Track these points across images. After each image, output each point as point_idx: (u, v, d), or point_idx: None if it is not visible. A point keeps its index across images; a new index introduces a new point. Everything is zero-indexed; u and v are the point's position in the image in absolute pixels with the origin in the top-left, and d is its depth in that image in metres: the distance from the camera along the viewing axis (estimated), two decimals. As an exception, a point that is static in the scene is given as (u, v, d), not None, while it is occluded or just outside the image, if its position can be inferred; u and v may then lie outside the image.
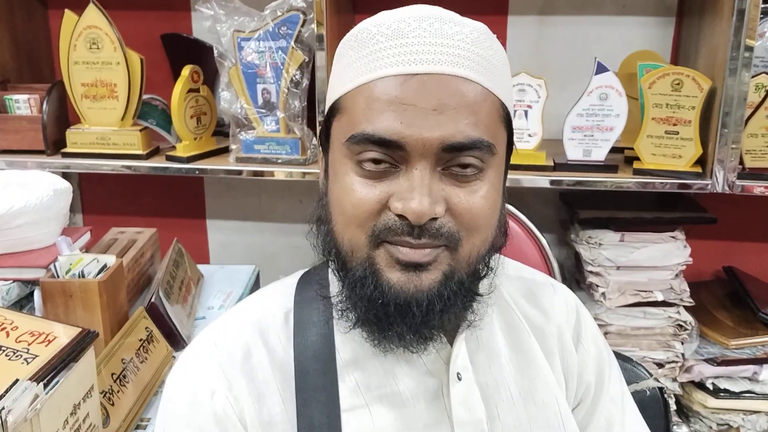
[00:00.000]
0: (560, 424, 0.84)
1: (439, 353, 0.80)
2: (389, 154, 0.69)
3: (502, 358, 0.85)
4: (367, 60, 0.71)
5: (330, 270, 0.83)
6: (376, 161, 0.70)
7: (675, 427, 1.11)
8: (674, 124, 1.44)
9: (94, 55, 1.56)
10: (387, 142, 0.68)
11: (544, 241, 1.53)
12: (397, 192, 0.69)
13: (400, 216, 0.69)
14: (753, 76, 1.48)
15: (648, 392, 1.08)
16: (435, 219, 0.69)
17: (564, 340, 0.90)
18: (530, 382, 0.85)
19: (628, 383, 1.00)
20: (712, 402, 1.59)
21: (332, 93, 0.77)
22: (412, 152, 0.68)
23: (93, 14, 1.53)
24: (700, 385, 1.61)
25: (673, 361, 1.58)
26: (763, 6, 1.40)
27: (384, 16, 0.74)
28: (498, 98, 0.73)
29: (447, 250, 0.72)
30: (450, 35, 0.71)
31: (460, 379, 0.80)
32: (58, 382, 0.92)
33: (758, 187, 1.44)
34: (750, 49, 1.36)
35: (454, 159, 0.70)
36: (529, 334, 0.88)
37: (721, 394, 1.59)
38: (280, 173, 1.55)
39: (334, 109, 0.75)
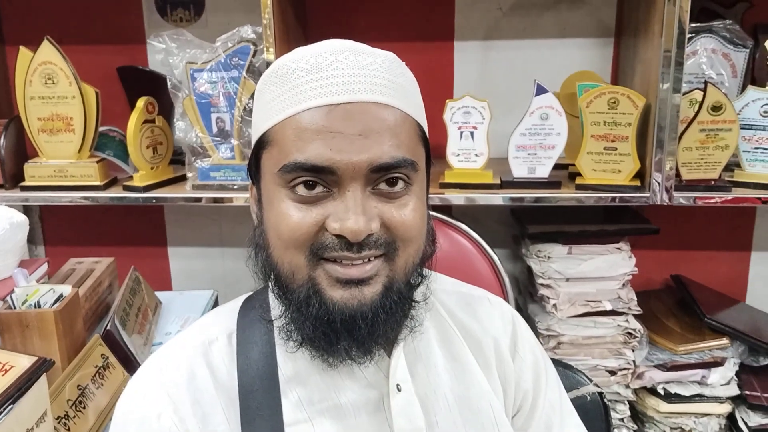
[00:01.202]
0: (495, 428, 0.88)
1: (378, 366, 0.84)
2: (322, 179, 0.74)
3: (438, 368, 0.89)
4: (291, 94, 0.76)
5: (270, 294, 0.87)
6: (309, 186, 0.74)
7: (615, 430, 1.15)
8: (612, 141, 1.49)
9: (50, 90, 1.58)
10: (319, 169, 0.73)
11: (495, 258, 1.58)
12: (333, 213, 0.74)
13: (338, 235, 0.73)
14: (686, 92, 1.55)
15: (588, 397, 1.12)
16: (370, 235, 0.74)
17: (500, 350, 0.94)
18: (465, 390, 0.89)
19: (569, 390, 1.04)
20: (665, 406, 1.63)
21: (258, 127, 0.81)
22: (343, 176, 0.73)
23: (47, 50, 1.56)
24: (653, 391, 1.66)
25: (624, 368, 1.62)
26: (693, 25, 1.47)
27: (300, 53, 0.78)
28: (414, 120, 0.79)
29: (385, 261, 0.76)
30: (365, 65, 0.76)
31: (399, 390, 0.83)
32: (11, 408, 0.94)
33: (696, 198, 1.50)
34: (680, 65, 1.42)
35: (381, 178, 0.75)
36: (462, 344, 0.92)
37: (673, 399, 1.63)
38: (239, 199, 1.58)
39: (263, 141, 0.79)
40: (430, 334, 0.91)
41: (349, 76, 0.74)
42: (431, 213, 0.86)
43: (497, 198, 1.54)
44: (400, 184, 0.76)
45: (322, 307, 0.75)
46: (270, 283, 0.84)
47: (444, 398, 0.87)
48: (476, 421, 0.87)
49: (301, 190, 0.74)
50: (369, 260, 0.75)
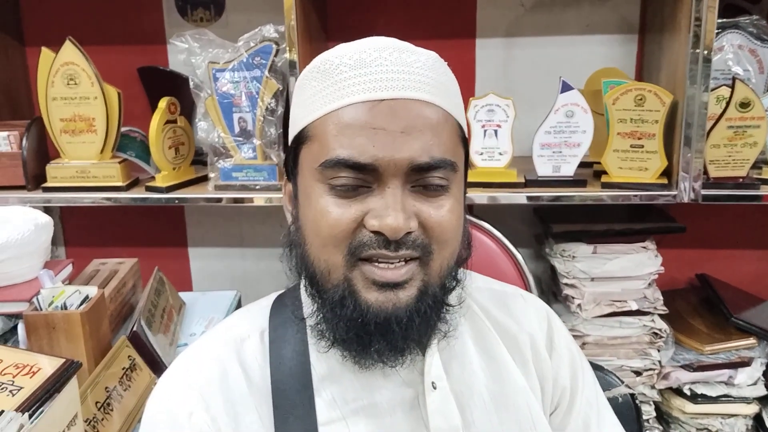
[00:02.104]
0: (532, 427, 0.87)
1: (413, 364, 0.83)
2: (362, 175, 0.73)
3: (473, 366, 0.88)
4: (333, 89, 0.75)
5: (303, 292, 0.86)
6: (349, 181, 0.73)
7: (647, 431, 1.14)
8: (639, 138, 1.48)
9: (72, 90, 1.58)
10: (361, 165, 0.72)
11: (519, 257, 1.56)
12: (372, 210, 0.73)
13: (376, 232, 0.73)
14: (713, 89, 1.53)
15: (620, 399, 1.11)
16: (409, 233, 0.73)
17: (537, 348, 0.93)
18: (501, 388, 0.88)
19: (601, 391, 1.03)
20: (691, 407, 1.61)
21: (298, 122, 0.80)
22: (385, 173, 0.72)
23: (70, 51, 1.56)
24: (678, 391, 1.64)
25: (650, 369, 1.61)
26: (719, 21, 1.46)
27: (344, 48, 0.78)
28: (456, 120, 0.79)
29: (420, 266, 0.76)
30: (409, 63, 0.75)
31: (435, 388, 0.83)
32: (42, 411, 0.94)
33: (723, 196, 1.48)
34: (708, 62, 1.40)
35: (421, 177, 0.74)
36: (498, 341, 0.91)
37: (699, 399, 1.61)
38: (259, 199, 1.58)
39: (302, 136, 0.79)
40: (465, 332, 0.90)
41: (392, 73, 0.74)
42: (468, 217, 0.85)
43: (521, 197, 1.52)
44: (439, 184, 0.75)
45: (356, 309, 0.75)
46: (303, 281, 0.83)
47: (480, 396, 0.86)
48: (513, 419, 0.87)
49: (340, 185, 0.74)
50: (405, 262, 0.75)
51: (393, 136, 0.72)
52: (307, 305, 0.84)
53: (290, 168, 0.83)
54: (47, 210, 1.80)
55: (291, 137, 0.82)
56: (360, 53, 0.76)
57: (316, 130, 0.76)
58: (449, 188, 0.77)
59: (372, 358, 0.78)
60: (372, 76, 0.74)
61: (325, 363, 0.83)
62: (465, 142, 0.82)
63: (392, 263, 0.74)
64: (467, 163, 0.84)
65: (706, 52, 1.40)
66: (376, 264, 0.74)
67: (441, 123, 0.76)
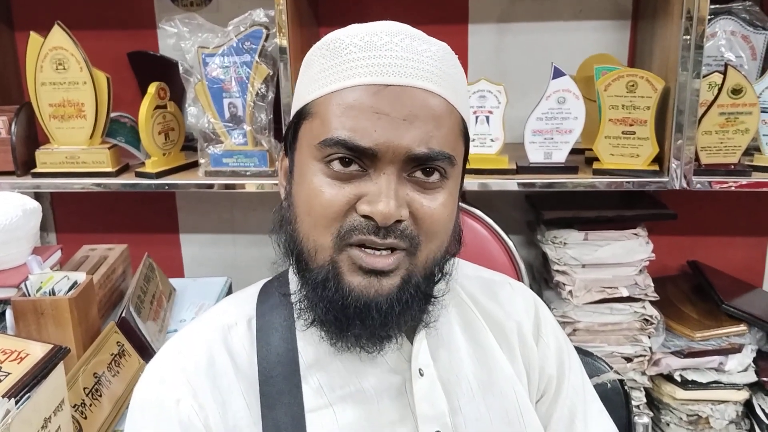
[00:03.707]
0: (519, 414, 0.87)
1: (400, 351, 0.83)
2: (359, 158, 0.73)
3: (461, 353, 0.88)
4: (341, 68, 0.74)
5: (290, 271, 0.86)
6: (345, 162, 0.73)
7: (636, 417, 1.14)
8: (630, 125, 1.47)
9: (61, 75, 1.57)
10: (360, 148, 0.72)
11: (510, 243, 1.56)
12: (365, 194, 0.73)
13: (366, 217, 0.72)
14: (705, 75, 1.52)
15: (609, 385, 1.11)
16: (399, 222, 0.73)
17: (524, 335, 0.93)
18: (488, 375, 0.88)
19: (590, 377, 1.03)
20: (681, 393, 1.62)
21: (302, 97, 0.79)
22: (382, 158, 0.72)
23: (58, 36, 1.54)
24: (669, 378, 1.64)
25: (641, 355, 1.61)
26: (712, 7, 1.45)
27: (356, 29, 0.77)
28: (460, 114, 0.78)
29: (407, 255, 0.75)
30: (419, 51, 0.75)
31: (422, 374, 0.83)
32: (29, 397, 0.93)
33: (715, 183, 1.48)
34: (700, 48, 1.40)
35: (418, 166, 0.74)
36: (485, 329, 0.91)
37: (690, 386, 1.62)
38: (251, 186, 1.57)
39: (304, 112, 0.78)
40: (453, 320, 0.90)
41: (401, 59, 0.73)
42: (463, 205, 0.85)
43: (512, 183, 1.52)
44: (436, 176, 0.75)
45: (338, 291, 0.75)
46: (291, 259, 0.83)
47: (467, 383, 0.86)
48: (500, 406, 0.87)
49: (336, 166, 0.73)
50: (392, 251, 0.74)
51: (395, 122, 0.71)
52: (294, 284, 0.84)
53: (288, 142, 0.83)
54: (37, 196, 1.80)
55: (293, 111, 0.81)
56: (371, 35, 0.75)
57: (319, 107, 0.76)
58: (445, 182, 0.76)
59: (349, 342, 0.78)
60: (381, 60, 0.73)
61: (312, 350, 0.82)
62: (466, 137, 0.81)
63: (380, 251, 0.74)
64: (466, 158, 0.83)
65: (698, 38, 1.39)
66: (365, 250, 0.74)
67: (444, 115, 0.75)
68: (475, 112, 1.51)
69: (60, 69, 1.56)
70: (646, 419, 1.14)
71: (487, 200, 1.74)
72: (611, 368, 1.12)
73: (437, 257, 0.79)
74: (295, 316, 0.81)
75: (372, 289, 0.74)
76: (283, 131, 1.51)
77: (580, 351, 1.10)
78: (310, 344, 0.82)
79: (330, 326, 0.77)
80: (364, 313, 0.74)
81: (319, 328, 0.79)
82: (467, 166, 0.86)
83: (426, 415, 0.82)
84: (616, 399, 1.10)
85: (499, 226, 1.57)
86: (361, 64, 0.73)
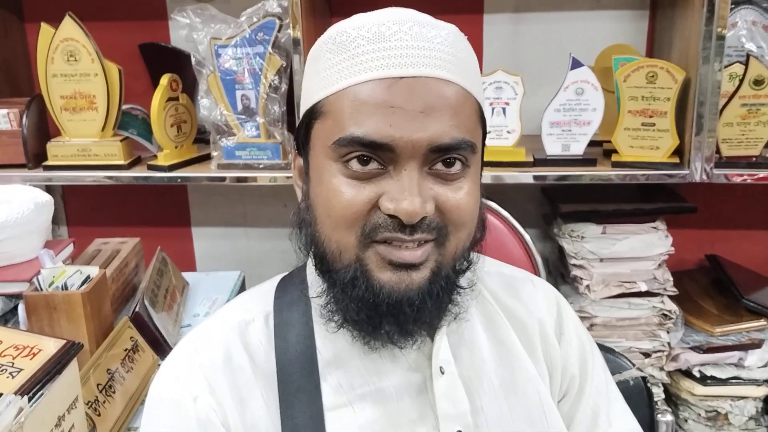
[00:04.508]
0: (542, 414, 0.86)
1: (421, 349, 0.81)
2: (377, 155, 0.70)
3: (483, 351, 0.86)
4: (350, 63, 0.72)
5: (311, 272, 0.84)
6: (363, 161, 0.71)
7: (659, 415, 1.12)
8: (650, 116, 1.45)
9: (72, 67, 1.55)
10: (377, 145, 0.69)
11: (527, 237, 1.54)
12: (387, 192, 0.70)
13: (391, 215, 0.70)
14: (726, 66, 1.50)
15: (631, 382, 1.09)
16: (425, 217, 0.71)
17: (546, 334, 0.91)
18: (510, 374, 0.86)
19: (612, 374, 1.01)
20: (700, 389, 1.60)
21: (311, 96, 0.77)
22: (401, 154, 0.70)
23: (69, 27, 1.53)
24: (687, 373, 1.62)
25: (659, 351, 1.59)
26: (733, -4, 1.43)
27: (362, 19, 0.75)
28: (475, 99, 0.76)
29: (435, 246, 0.73)
30: (429, 38, 0.72)
31: (443, 372, 0.81)
32: (42, 394, 0.92)
33: (736, 176, 1.46)
34: (722, 38, 1.37)
35: (439, 158, 0.72)
36: (507, 327, 0.89)
37: (708, 382, 1.60)
38: (263, 179, 1.55)
39: (315, 111, 0.76)
40: (474, 317, 0.88)
41: (412, 48, 0.71)
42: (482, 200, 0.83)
43: (528, 176, 1.50)
44: (458, 166, 0.73)
45: (369, 289, 0.72)
46: (310, 261, 0.81)
47: (489, 382, 0.84)
48: (522, 405, 0.85)
49: (355, 165, 0.71)
50: (420, 244, 0.72)
51: (411, 115, 0.69)
52: (314, 286, 0.82)
53: (301, 142, 0.81)
54: (49, 189, 1.79)
55: (303, 109, 0.79)
56: (379, 26, 0.72)
57: (330, 105, 0.73)
58: (468, 170, 0.74)
59: (382, 340, 0.77)
60: (391, 51, 0.70)
61: (331, 347, 0.81)
62: (483, 121, 0.79)
63: (407, 245, 0.72)
64: (484, 143, 0.81)
65: (719, 28, 1.37)
66: (391, 245, 0.72)
67: (461, 102, 0.72)
68: (491, 104, 1.49)
69: (71, 60, 1.55)
70: (669, 417, 1.13)
71: (503, 193, 1.72)
72: (633, 365, 1.10)
73: (465, 246, 0.77)
74: (323, 317, 0.79)
75: (403, 284, 0.72)
76: (297, 124, 1.50)
77: (602, 348, 1.08)
78: (329, 341, 0.81)
79: (362, 325, 0.76)
80: (397, 309, 0.72)
81: (351, 328, 0.77)
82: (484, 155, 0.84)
83: (447, 414, 0.80)
84: (638, 396, 1.08)
85: (515, 219, 1.55)
86: (370, 57, 0.71)
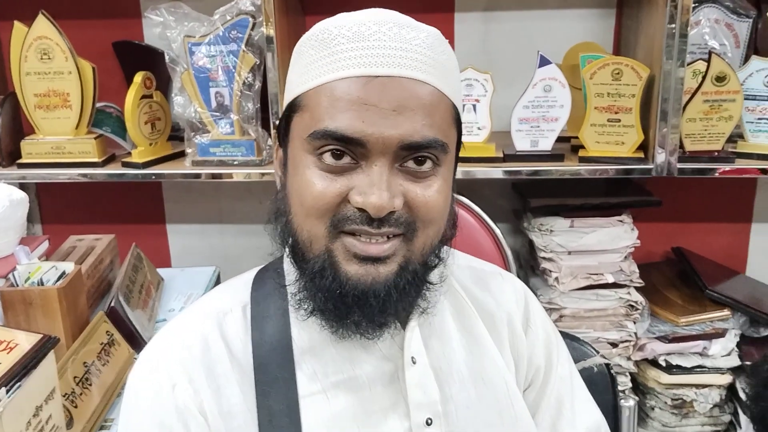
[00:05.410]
0: (509, 402, 0.88)
1: (393, 339, 0.83)
2: (350, 150, 0.73)
3: (453, 342, 0.89)
4: (329, 60, 0.74)
5: (286, 261, 0.86)
6: (336, 155, 0.73)
7: (622, 401, 1.15)
8: (616, 112, 1.49)
9: (46, 65, 1.56)
10: (349, 139, 0.72)
11: (497, 231, 1.57)
12: (357, 186, 0.73)
13: (360, 209, 0.73)
14: (689, 63, 1.54)
15: (595, 369, 1.12)
16: (393, 212, 0.73)
17: (513, 325, 0.94)
18: (479, 364, 0.89)
19: (576, 361, 1.04)
20: (666, 378, 1.63)
21: (292, 90, 0.80)
22: (373, 149, 0.72)
23: (43, 25, 1.53)
24: (654, 363, 1.66)
25: (626, 341, 1.62)
26: (696, -5, 1.47)
27: (344, 19, 0.77)
28: (451, 101, 0.78)
29: (403, 241, 0.76)
30: (408, 40, 0.74)
31: (414, 362, 0.83)
32: (19, 386, 0.93)
33: (699, 170, 1.50)
34: (684, 36, 1.41)
35: (410, 156, 0.74)
36: (477, 318, 0.92)
37: (674, 370, 1.63)
38: (239, 175, 1.57)
39: (295, 105, 0.78)
40: (445, 309, 0.91)
41: (390, 49, 0.73)
42: (455, 196, 0.86)
43: (499, 171, 1.53)
44: (428, 164, 0.75)
45: (336, 280, 0.75)
46: (287, 250, 0.84)
47: (458, 372, 0.87)
48: (490, 394, 0.88)
49: (328, 158, 0.73)
50: (388, 238, 0.75)
51: (384, 113, 0.72)
52: (290, 274, 0.85)
53: (282, 134, 0.83)
54: (23, 187, 1.78)
55: (285, 102, 0.82)
56: (359, 25, 0.75)
57: (309, 100, 0.76)
58: (439, 169, 0.76)
59: (350, 330, 0.79)
60: (369, 51, 0.73)
61: (307, 336, 0.83)
62: (459, 123, 0.81)
63: (374, 237, 0.74)
64: (459, 144, 0.84)
65: (682, 26, 1.40)
66: (359, 237, 0.74)
67: (434, 103, 0.75)
68: (462, 101, 1.51)
69: (45, 59, 1.55)
70: (631, 402, 1.16)
71: (474, 188, 1.75)
72: (597, 352, 1.13)
73: (434, 243, 0.80)
74: (294, 306, 0.81)
75: (369, 277, 0.74)
76: (271, 121, 1.52)
77: (567, 336, 1.12)
78: (305, 331, 0.83)
79: (330, 315, 0.78)
80: (363, 301, 0.75)
81: (319, 317, 0.80)
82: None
83: (418, 402, 0.83)
84: (602, 383, 1.11)
85: (486, 214, 1.58)
86: (349, 55, 0.73)
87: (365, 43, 0.73)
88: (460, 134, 0.83)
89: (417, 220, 0.76)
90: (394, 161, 0.74)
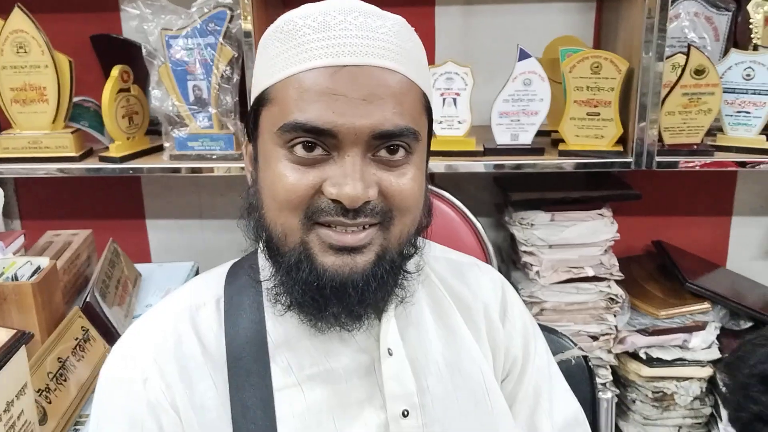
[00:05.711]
0: (485, 393, 0.88)
1: (369, 331, 0.83)
2: (321, 141, 0.72)
3: (429, 333, 0.89)
4: (295, 51, 0.74)
5: (261, 256, 0.85)
6: (307, 147, 0.72)
7: (600, 393, 1.15)
8: (595, 106, 1.49)
9: (22, 59, 1.54)
10: (319, 131, 0.71)
11: (479, 225, 1.57)
12: (330, 177, 0.72)
13: (334, 200, 0.72)
14: (669, 56, 1.54)
15: (573, 361, 1.12)
16: (367, 202, 0.73)
17: (490, 317, 0.94)
18: (456, 355, 0.89)
19: (555, 353, 1.04)
20: (646, 371, 1.64)
21: (259, 83, 0.79)
22: (344, 140, 0.72)
23: (18, 18, 1.51)
24: (634, 355, 1.66)
25: (606, 334, 1.63)
26: (675, -11, 1.47)
27: (309, 9, 0.76)
28: (420, 88, 0.78)
29: (380, 230, 0.75)
30: (374, 28, 0.74)
31: (390, 354, 0.83)
32: (-10, 381, 0.92)
33: (678, 163, 1.50)
34: (663, 30, 1.41)
35: (382, 145, 0.74)
36: (454, 309, 0.92)
37: (654, 363, 1.64)
38: (219, 169, 1.55)
39: (263, 98, 0.77)
40: (422, 300, 0.90)
41: (356, 38, 0.73)
42: (431, 187, 0.85)
43: (479, 165, 1.52)
44: (401, 153, 0.75)
45: (312, 272, 0.74)
46: (261, 245, 0.83)
47: (435, 363, 0.87)
48: (467, 386, 0.87)
49: (300, 151, 0.73)
50: (364, 228, 0.74)
51: (354, 103, 0.71)
52: (265, 269, 0.84)
53: (251, 129, 0.82)
54: (0, 182, 1.77)
55: (252, 97, 0.81)
56: (324, 15, 0.74)
57: (277, 93, 0.75)
58: (411, 157, 0.76)
59: (329, 322, 0.78)
60: (335, 40, 0.72)
61: (282, 329, 0.82)
62: (429, 110, 0.81)
63: (350, 227, 0.74)
64: (431, 132, 0.83)
65: (661, 20, 1.40)
66: (334, 228, 0.74)
67: (404, 91, 0.74)
68: (442, 94, 1.51)
69: (21, 52, 1.54)
70: (609, 394, 1.16)
71: (455, 182, 1.75)
72: (575, 345, 1.14)
73: (411, 232, 0.80)
74: (271, 300, 0.81)
75: (347, 268, 0.74)
76: (250, 115, 1.51)
77: (546, 329, 1.12)
78: (279, 324, 0.82)
79: (308, 308, 0.77)
80: (341, 292, 0.74)
81: (297, 311, 0.79)
82: (431, 146, 0.86)
83: (394, 394, 0.82)
84: (580, 375, 1.12)
85: (467, 208, 1.57)
86: (315, 46, 0.72)
87: (331, 33, 0.73)
88: (431, 122, 0.82)
89: (393, 209, 0.75)
90: (367, 151, 0.73)
